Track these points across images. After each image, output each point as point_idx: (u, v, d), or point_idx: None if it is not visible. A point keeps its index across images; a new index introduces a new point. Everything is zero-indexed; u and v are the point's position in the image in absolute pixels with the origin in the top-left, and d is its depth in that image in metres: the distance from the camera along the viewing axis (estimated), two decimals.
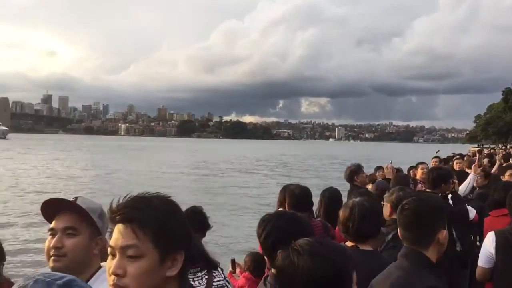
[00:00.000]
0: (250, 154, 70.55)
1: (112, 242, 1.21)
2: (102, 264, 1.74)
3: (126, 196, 1.24)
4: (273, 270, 2.07)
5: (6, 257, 2.38)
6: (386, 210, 3.34)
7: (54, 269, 1.68)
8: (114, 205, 1.23)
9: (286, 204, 3.74)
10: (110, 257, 1.21)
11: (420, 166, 6.61)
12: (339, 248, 1.51)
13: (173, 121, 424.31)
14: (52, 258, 1.69)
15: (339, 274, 1.39)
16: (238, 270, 3.85)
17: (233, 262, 3.88)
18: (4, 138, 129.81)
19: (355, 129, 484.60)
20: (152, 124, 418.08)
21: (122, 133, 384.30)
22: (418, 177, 6.28)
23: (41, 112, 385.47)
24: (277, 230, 2.06)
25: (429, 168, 5.96)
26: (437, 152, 8.37)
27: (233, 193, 22.06)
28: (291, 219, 2.15)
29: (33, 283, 0.80)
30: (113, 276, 1.17)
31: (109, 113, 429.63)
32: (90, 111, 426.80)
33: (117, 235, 1.20)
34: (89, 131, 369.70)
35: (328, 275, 1.38)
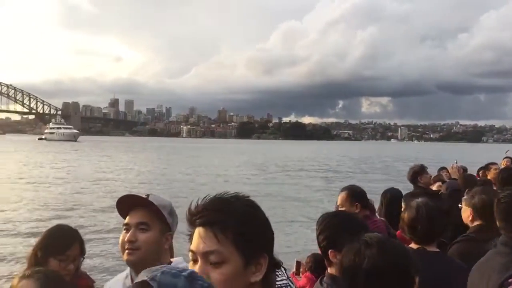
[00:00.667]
0: (312, 154, 70.22)
1: (193, 246, 1.16)
2: (172, 259, 1.84)
3: (204, 198, 1.19)
4: (329, 270, 2.13)
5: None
6: (466, 214, 3.12)
7: (128, 262, 1.79)
8: (193, 207, 1.18)
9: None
10: (191, 262, 1.16)
11: (492, 167, 6.27)
12: (405, 248, 1.55)
13: (233, 123, 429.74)
14: (127, 251, 1.77)
15: (403, 270, 1.42)
16: (302, 271, 3.83)
17: (298, 264, 3.87)
18: (75, 140, 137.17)
19: (419, 129, 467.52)
20: (213, 126, 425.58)
21: (184, 135, 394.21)
22: (490, 177, 5.98)
23: (109, 115, 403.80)
24: (330, 227, 2.15)
25: (500, 168, 5.69)
26: (506, 152, 7.92)
27: (299, 193, 22.02)
28: (345, 217, 2.26)
29: (161, 274, 0.83)
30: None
31: (171, 115, 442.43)
32: (154, 113, 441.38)
33: (198, 239, 1.15)
34: (153, 133, 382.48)
35: (392, 269, 1.40)
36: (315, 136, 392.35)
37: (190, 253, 1.17)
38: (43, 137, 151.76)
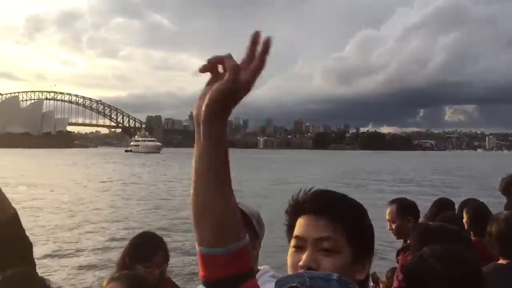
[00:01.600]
0: (391, 165, 67.99)
1: (301, 233, 1.10)
2: (258, 267, 1.82)
3: (310, 189, 1.16)
4: None
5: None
6: None
7: None
8: (299, 196, 1.15)
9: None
10: (292, 249, 1.11)
11: None
12: (476, 262, 1.48)
13: (309, 134, 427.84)
14: None
15: (475, 283, 1.36)
16: (381, 286, 3.72)
17: (374, 276, 3.75)
18: (158, 152, 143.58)
19: (510, 138, 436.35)
20: (289, 136, 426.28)
21: (261, 146, 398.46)
22: None
23: (189, 128, 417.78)
24: (413, 238, 2.16)
25: None
26: None
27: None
28: (426, 228, 2.20)
29: (310, 280, 0.80)
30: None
31: (248, 127, 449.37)
32: (231, 125, 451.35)
33: (308, 226, 1.10)
34: (230, 145, 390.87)
35: (462, 282, 1.35)
36: (395, 146, 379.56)
37: (294, 241, 1.11)
38: (129, 149, 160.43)
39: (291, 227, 1.14)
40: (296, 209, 1.14)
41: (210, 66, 0.88)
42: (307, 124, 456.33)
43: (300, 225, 1.12)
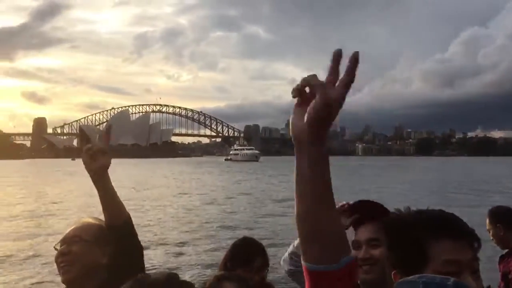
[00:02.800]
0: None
1: (454, 256, 1.09)
2: None
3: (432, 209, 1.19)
4: None
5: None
6: None
7: (362, 280, 1.64)
8: (427, 216, 1.16)
9: None
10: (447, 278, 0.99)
11: None
12: None
13: (410, 140, 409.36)
14: (363, 268, 1.68)
15: None
16: None
17: None
18: (257, 160, 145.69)
19: None
20: (389, 143, 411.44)
21: (360, 153, 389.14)
22: None
23: (286, 136, 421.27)
24: None
25: None
26: None
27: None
28: None
29: (423, 286, 0.79)
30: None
31: (346, 134, 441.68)
32: (329, 133, 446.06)
33: (457, 249, 1.10)
34: (328, 152, 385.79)
35: None
36: (508, 152, 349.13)
37: (445, 264, 1.09)
38: (229, 157, 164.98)
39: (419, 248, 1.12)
40: (432, 230, 1.13)
41: (301, 90, 0.89)
42: (408, 129, 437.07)
43: (448, 247, 1.11)
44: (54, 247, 1.79)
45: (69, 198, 27.46)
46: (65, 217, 19.37)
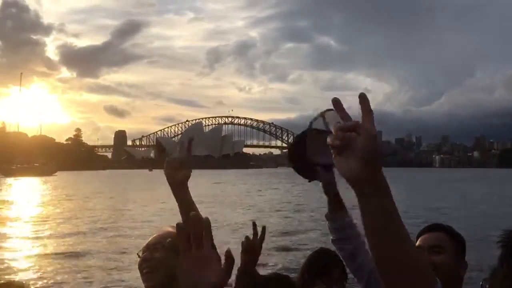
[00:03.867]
0: None
1: None
2: None
3: None
4: None
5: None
6: None
7: None
8: None
9: None
10: None
11: None
12: None
13: (493, 150, 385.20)
14: None
15: None
16: None
17: None
18: None
19: None
20: (469, 154, 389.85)
21: (437, 164, 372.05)
22: None
23: None
24: None
25: None
26: None
27: None
28: None
29: None
30: None
31: (422, 145, 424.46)
32: (403, 143, 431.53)
33: None
34: (403, 163, 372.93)
35: None
36: None
37: None
38: None
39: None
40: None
41: (342, 138, 0.89)
42: (491, 140, 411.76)
43: None
44: (137, 254, 1.85)
45: (149, 207, 28.57)
46: (146, 225, 20.16)
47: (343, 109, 0.90)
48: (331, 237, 2.13)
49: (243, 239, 2.11)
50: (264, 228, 2.17)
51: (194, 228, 0.87)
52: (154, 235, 1.88)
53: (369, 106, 0.89)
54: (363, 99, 0.90)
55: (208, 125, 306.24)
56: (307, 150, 1.84)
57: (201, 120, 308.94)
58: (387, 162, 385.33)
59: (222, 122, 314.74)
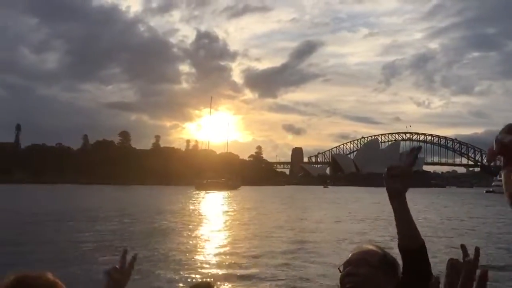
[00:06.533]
0: None
1: None
2: None
3: None
4: None
5: None
6: None
7: None
8: None
9: None
10: None
11: None
12: None
13: None
14: None
15: None
16: None
17: None
18: None
19: None
20: None
21: None
22: None
23: None
24: None
25: None
26: None
27: None
28: None
29: None
30: None
31: None
32: None
33: None
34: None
35: None
36: None
37: None
38: (491, 189, 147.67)
39: None
40: None
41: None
42: None
43: None
44: (338, 268, 1.87)
45: (332, 224, 28.74)
46: (332, 241, 20.32)
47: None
48: None
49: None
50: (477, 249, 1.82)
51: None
52: (356, 251, 1.89)
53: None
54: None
55: (384, 141, 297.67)
56: None
57: (376, 136, 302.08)
58: None
59: (399, 139, 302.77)
